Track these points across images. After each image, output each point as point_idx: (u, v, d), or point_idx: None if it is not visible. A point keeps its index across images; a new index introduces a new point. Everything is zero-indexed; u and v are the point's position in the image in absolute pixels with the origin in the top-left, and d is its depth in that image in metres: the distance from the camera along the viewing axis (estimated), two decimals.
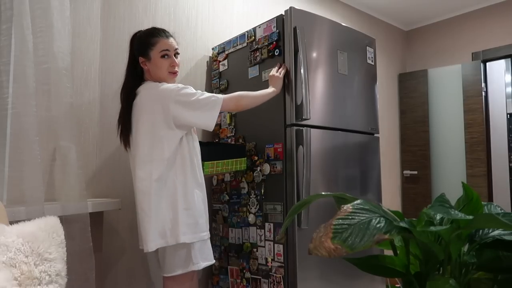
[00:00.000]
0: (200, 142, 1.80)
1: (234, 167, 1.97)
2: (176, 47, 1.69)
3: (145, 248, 1.55)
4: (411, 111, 3.85)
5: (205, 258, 1.61)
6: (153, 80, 1.69)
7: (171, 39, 1.68)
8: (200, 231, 1.61)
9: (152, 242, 1.54)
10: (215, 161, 1.85)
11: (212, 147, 1.81)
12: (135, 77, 1.70)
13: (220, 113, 2.32)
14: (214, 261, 1.69)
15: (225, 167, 1.91)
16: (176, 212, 1.56)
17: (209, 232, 1.69)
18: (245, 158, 2.04)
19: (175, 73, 1.69)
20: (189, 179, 1.61)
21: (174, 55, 1.68)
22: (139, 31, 1.73)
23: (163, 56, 1.64)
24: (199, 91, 1.64)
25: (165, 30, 1.70)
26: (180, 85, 1.61)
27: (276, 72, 1.90)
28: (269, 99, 1.85)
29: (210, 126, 1.63)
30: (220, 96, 1.66)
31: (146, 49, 1.65)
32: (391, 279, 2.94)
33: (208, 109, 1.61)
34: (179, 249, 1.56)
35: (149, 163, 1.57)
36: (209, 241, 1.67)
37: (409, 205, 3.80)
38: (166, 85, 1.61)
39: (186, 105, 1.58)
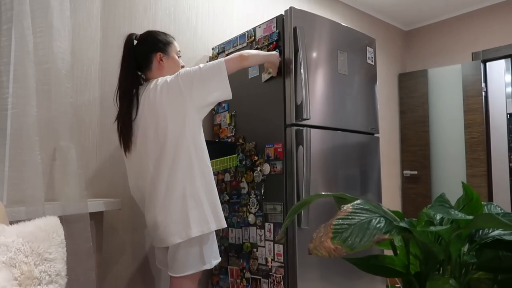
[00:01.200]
0: None
1: (227, 164, 2.02)
2: None
3: (185, 236, 1.54)
4: (411, 111, 3.85)
5: (214, 256, 1.64)
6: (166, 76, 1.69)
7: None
8: (219, 220, 1.62)
9: (192, 228, 1.54)
10: (214, 160, 1.88)
11: (209, 146, 1.82)
12: (135, 78, 1.70)
13: (220, 113, 2.33)
14: (220, 258, 1.70)
15: (221, 165, 1.96)
16: (201, 202, 1.57)
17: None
18: (236, 155, 2.09)
19: None
20: (205, 168, 1.63)
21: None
22: (149, 31, 1.77)
23: (177, 55, 1.78)
24: (197, 66, 1.65)
25: None
26: (179, 71, 1.64)
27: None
28: (268, 61, 1.90)
29: (228, 94, 1.66)
30: (221, 59, 1.67)
31: (166, 46, 1.73)
32: (391, 279, 2.94)
33: (217, 76, 1.63)
34: (192, 247, 1.55)
35: (178, 152, 1.56)
36: (215, 239, 1.68)
37: (409, 205, 3.80)
38: (169, 77, 1.62)
39: (197, 85, 1.59)
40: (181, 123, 1.57)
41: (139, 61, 1.71)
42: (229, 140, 2.25)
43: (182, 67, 1.78)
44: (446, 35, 3.85)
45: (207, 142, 2.03)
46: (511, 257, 1.00)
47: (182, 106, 1.58)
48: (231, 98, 1.69)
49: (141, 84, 1.71)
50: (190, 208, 1.55)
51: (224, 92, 1.65)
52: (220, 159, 1.96)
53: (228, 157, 2.02)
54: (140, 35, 1.74)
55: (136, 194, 1.75)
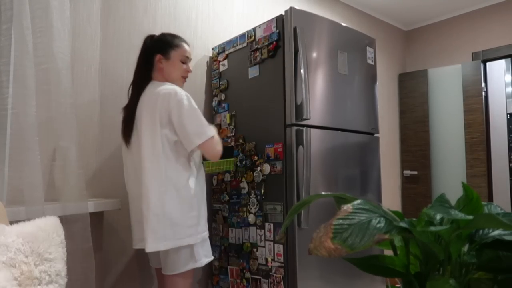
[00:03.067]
0: None
1: (223, 167, 1.99)
2: (191, 56, 1.82)
3: (145, 246, 1.56)
4: (411, 111, 3.85)
5: (205, 255, 1.66)
6: (162, 80, 1.71)
7: (189, 48, 1.80)
8: (203, 230, 1.65)
9: (155, 243, 1.55)
10: (210, 161, 1.85)
11: None
12: (146, 74, 1.73)
13: (220, 113, 2.33)
14: (213, 257, 1.73)
15: (218, 166, 1.95)
16: (180, 215, 1.57)
17: (207, 231, 1.72)
18: (233, 159, 2.06)
19: (186, 78, 1.79)
20: (193, 181, 1.64)
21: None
22: (162, 33, 1.79)
23: (182, 61, 1.74)
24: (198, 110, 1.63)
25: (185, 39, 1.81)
26: (186, 96, 1.61)
27: None
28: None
29: (190, 148, 1.61)
30: (210, 132, 1.63)
31: (168, 48, 1.72)
32: (391, 279, 2.94)
33: (203, 131, 1.61)
34: (182, 248, 1.58)
35: (153, 162, 1.57)
36: (208, 239, 1.71)
37: (409, 205, 3.80)
38: (174, 91, 1.60)
39: (185, 117, 1.58)
40: (158, 132, 1.59)
41: (146, 60, 1.74)
42: (229, 140, 2.25)
43: (187, 72, 1.77)
44: (446, 35, 3.85)
45: None
46: (511, 257, 1.00)
47: (165, 119, 1.59)
48: (188, 150, 1.64)
49: (148, 82, 1.71)
50: (166, 220, 1.56)
51: (190, 146, 1.62)
52: (219, 161, 1.92)
53: (225, 160, 1.98)
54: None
55: (127, 188, 1.77)
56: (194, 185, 1.64)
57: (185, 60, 1.76)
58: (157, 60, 1.71)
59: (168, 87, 1.62)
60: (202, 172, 1.78)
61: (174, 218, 1.56)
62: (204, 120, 1.63)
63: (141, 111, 1.63)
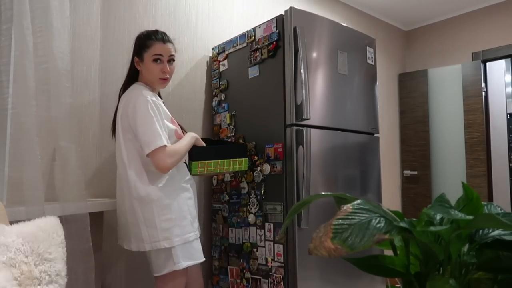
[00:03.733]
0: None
1: (232, 167, 1.86)
2: (172, 53, 1.65)
3: (127, 246, 1.63)
4: (411, 111, 3.85)
5: (188, 257, 1.59)
6: (144, 82, 1.69)
7: (168, 45, 1.65)
8: (183, 233, 1.58)
9: (132, 243, 1.60)
10: (205, 161, 1.74)
11: (204, 146, 1.76)
12: (130, 76, 1.73)
13: (220, 113, 2.33)
14: (201, 260, 1.64)
15: (219, 167, 1.81)
16: (152, 217, 1.55)
17: (198, 231, 1.68)
18: (246, 158, 1.93)
19: (165, 79, 1.66)
20: (167, 181, 1.60)
21: (169, 61, 1.65)
22: (143, 31, 1.72)
23: (155, 60, 1.62)
24: (155, 121, 1.55)
25: (165, 34, 1.67)
26: (144, 102, 1.54)
27: None
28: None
29: (144, 154, 1.54)
30: (161, 143, 1.52)
31: (141, 50, 1.65)
32: (391, 279, 2.94)
33: (152, 139, 1.52)
34: (160, 251, 1.57)
35: (126, 164, 1.60)
36: (196, 241, 1.64)
37: (409, 205, 3.80)
38: (135, 95, 1.58)
39: (138, 124, 1.55)
40: (127, 134, 1.61)
41: (131, 63, 1.74)
42: (229, 140, 2.25)
43: (163, 72, 1.63)
44: (446, 35, 3.85)
45: (210, 140, 1.98)
46: (511, 257, 1.00)
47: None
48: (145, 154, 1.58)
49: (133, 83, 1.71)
50: (142, 221, 1.56)
51: (144, 148, 1.56)
52: (220, 160, 1.82)
53: (235, 159, 1.87)
54: None
55: None
56: (167, 186, 1.59)
57: (158, 57, 1.61)
58: (135, 64, 1.69)
59: (133, 91, 1.61)
60: (185, 173, 1.70)
61: (147, 221, 1.55)
62: (157, 129, 1.52)
63: (117, 114, 1.67)
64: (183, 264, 1.57)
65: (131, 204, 1.58)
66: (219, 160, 1.80)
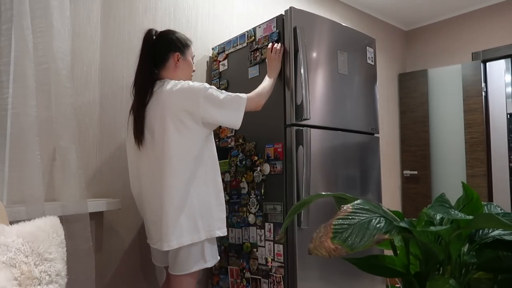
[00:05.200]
0: None
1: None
2: None
3: (169, 245, 1.54)
4: (411, 111, 3.85)
5: (214, 256, 1.67)
6: (174, 78, 1.68)
7: None
8: (224, 226, 1.69)
9: (180, 238, 1.55)
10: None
11: None
12: (152, 73, 1.70)
13: None
14: (219, 258, 1.74)
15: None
16: (209, 208, 1.62)
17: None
18: (228, 160, 2.08)
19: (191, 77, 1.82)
20: (217, 175, 1.68)
21: None
22: (170, 30, 1.78)
23: (192, 59, 1.80)
24: (223, 90, 1.68)
25: None
26: (206, 85, 1.62)
27: (272, 53, 1.93)
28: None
29: (237, 125, 1.69)
30: (244, 96, 1.70)
31: (185, 47, 1.75)
32: (391, 279, 2.94)
33: (235, 108, 1.67)
34: (193, 247, 1.58)
35: (178, 160, 1.56)
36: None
37: (409, 205, 3.80)
38: (192, 83, 1.61)
39: (215, 104, 1.61)
40: (184, 130, 1.57)
41: (156, 57, 1.70)
42: (230, 140, 2.25)
43: (193, 71, 1.82)
44: (446, 35, 3.85)
45: None
46: (511, 257, 1.00)
47: (190, 116, 1.57)
48: (237, 128, 1.75)
49: (155, 80, 1.68)
50: (184, 216, 1.56)
51: (234, 123, 1.70)
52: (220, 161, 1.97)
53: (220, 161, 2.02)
54: (160, 32, 1.74)
55: (135, 189, 1.77)
56: (219, 180, 1.69)
57: (193, 58, 1.82)
58: (175, 59, 1.70)
59: (172, 82, 1.61)
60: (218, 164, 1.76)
61: (205, 211, 1.60)
62: (227, 93, 1.66)
63: (155, 111, 1.59)
64: (213, 261, 1.65)
65: (188, 197, 1.57)
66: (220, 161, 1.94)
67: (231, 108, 1.65)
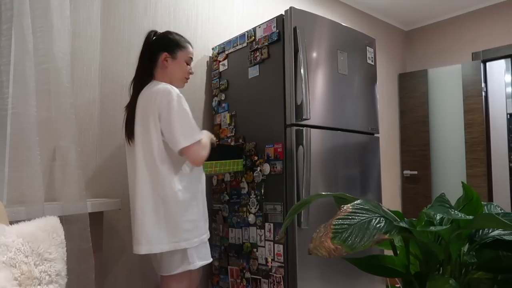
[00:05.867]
0: None
1: (231, 167, 1.97)
2: None
3: (138, 250, 1.57)
4: (411, 111, 3.85)
5: (201, 257, 1.63)
6: (164, 79, 1.70)
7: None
8: (200, 234, 1.63)
9: (149, 245, 1.55)
10: (213, 161, 1.84)
11: (211, 148, 1.80)
12: (148, 71, 1.71)
13: (220, 113, 2.33)
14: (211, 259, 1.71)
15: (223, 167, 1.92)
16: (175, 218, 1.56)
17: (208, 232, 1.72)
18: (242, 159, 2.05)
19: (187, 80, 1.80)
20: (189, 182, 1.63)
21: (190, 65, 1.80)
22: (168, 31, 1.78)
23: (186, 62, 1.75)
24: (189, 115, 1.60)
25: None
26: (178, 97, 1.58)
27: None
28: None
29: (176, 149, 1.57)
30: (199, 136, 1.59)
31: (176, 48, 1.72)
32: (391, 279, 2.94)
33: (190, 134, 1.56)
34: (177, 251, 1.58)
35: (158, 160, 1.57)
36: (208, 241, 1.70)
37: (409, 205, 3.80)
38: (168, 91, 1.58)
39: (174, 117, 1.55)
40: (153, 134, 1.57)
41: (150, 58, 1.72)
42: (230, 140, 2.25)
43: (190, 73, 1.78)
44: (446, 35, 3.85)
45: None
46: (511, 257, 1.00)
47: (156, 121, 1.58)
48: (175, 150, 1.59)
49: (151, 80, 1.70)
50: (151, 223, 1.55)
51: (177, 147, 1.56)
52: (224, 161, 1.92)
53: (233, 160, 1.98)
54: (158, 33, 1.78)
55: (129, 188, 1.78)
56: (191, 187, 1.63)
57: (189, 61, 1.77)
58: (162, 58, 1.70)
59: (164, 86, 1.60)
60: (200, 173, 1.74)
61: (169, 222, 1.55)
62: (193, 123, 1.59)
63: (137, 111, 1.64)
64: (198, 263, 1.61)
65: (155, 203, 1.55)
66: (223, 161, 1.88)
67: (187, 132, 1.56)
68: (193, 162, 1.58)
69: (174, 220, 1.55)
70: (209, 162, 1.80)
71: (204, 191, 1.76)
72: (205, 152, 1.62)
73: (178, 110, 1.55)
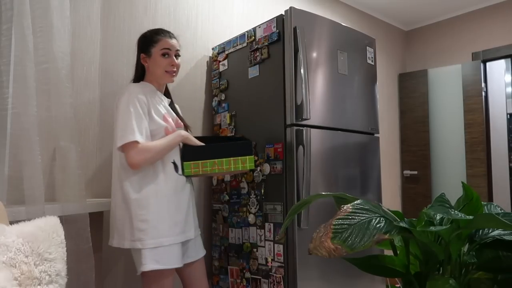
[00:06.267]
0: (200, 137, 1.79)
1: (234, 166, 1.67)
2: (178, 48, 1.71)
3: (112, 242, 1.62)
4: (411, 111, 3.85)
5: (157, 261, 1.52)
6: (148, 79, 1.71)
7: (174, 40, 1.70)
8: (158, 236, 1.54)
9: (113, 239, 1.61)
10: (200, 161, 1.64)
11: (198, 146, 1.66)
12: (138, 76, 1.74)
13: (220, 113, 2.33)
14: (172, 266, 1.56)
15: (218, 167, 1.66)
16: (131, 216, 1.55)
17: (181, 236, 1.61)
18: (252, 156, 1.71)
19: (172, 72, 1.68)
20: (148, 181, 1.57)
21: (175, 56, 1.69)
22: (146, 31, 1.75)
23: (163, 55, 1.65)
24: (134, 114, 1.54)
25: (170, 32, 1.73)
26: (127, 98, 1.56)
27: None
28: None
29: (115, 148, 1.56)
30: (137, 138, 1.52)
31: (149, 45, 1.67)
32: (391, 279, 2.94)
33: (124, 134, 1.52)
34: (135, 250, 1.57)
35: (118, 160, 1.61)
36: (174, 246, 1.57)
37: (409, 205, 3.80)
38: (123, 92, 1.59)
39: (117, 117, 1.56)
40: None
41: (136, 62, 1.75)
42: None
43: (172, 65, 1.66)
44: (446, 35, 3.85)
45: (217, 137, 1.92)
46: (511, 257, 1.00)
47: None
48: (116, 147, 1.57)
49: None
50: (117, 219, 1.59)
51: (116, 142, 1.56)
52: (226, 159, 1.66)
53: (236, 158, 1.68)
54: None
55: None
56: (146, 187, 1.56)
57: (167, 52, 1.65)
58: (142, 60, 1.70)
59: (126, 88, 1.62)
60: (171, 173, 1.63)
61: (127, 219, 1.56)
62: (133, 124, 1.52)
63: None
64: (149, 266, 1.52)
65: (119, 200, 1.59)
66: (216, 160, 1.65)
67: (122, 130, 1.53)
68: (129, 165, 1.52)
69: (129, 218, 1.55)
70: (192, 162, 1.64)
71: (177, 192, 1.63)
72: (142, 156, 1.50)
73: (122, 111, 1.54)
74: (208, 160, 1.65)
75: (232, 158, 1.67)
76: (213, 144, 1.72)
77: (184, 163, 1.64)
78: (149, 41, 1.68)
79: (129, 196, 1.55)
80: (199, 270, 1.79)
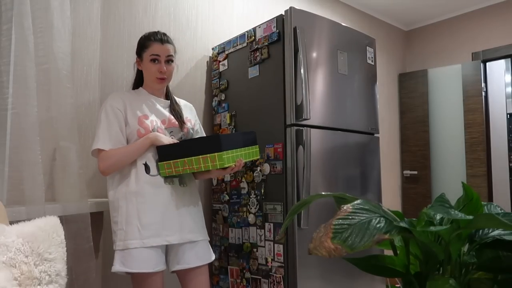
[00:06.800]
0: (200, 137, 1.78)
1: (203, 165, 1.51)
2: (170, 53, 1.63)
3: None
4: (411, 111, 3.85)
5: (122, 263, 1.51)
6: (145, 83, 1.71)
7: (167, 45, 1.63)
8: (125, 238, 1.52)
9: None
10: (171, 161, 1.54)
11: (168, 144, 1.57)
12: (136, 80, 1.75)
13: (220, 113, 2.33)
14: (140, 270, 1.50)
15: (188, 166, 1.53)
16: (113, 218, 1.61)
17: (150, 240, 1.52)
18: (257, 146, 1.69)
19: (162, 79, 1.63)
20: (121, 184, 1.58)
21: (167, 62, 1.63)
22: (145, 33, 1.72)
23: (152, 60, 1.61)
24: (103, 120, 1.57)
25: (165, 35, 1.65)
26: (105, 106, 1.60)
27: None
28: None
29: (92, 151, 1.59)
30: (99, 146, 1.54)
31: (141, 50, 1.65)
32: (391, 279, 2.94)
33: (95, 141, 1.56)
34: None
35: None
36: (140, 250, 1.51)
37: (409, 205, 3.80)
38: (103, 103, 1.64)
39: (97, 125, 1.60)
40: None
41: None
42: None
43: (160, 72, 1.61)
44: (446, 35, 3.85)
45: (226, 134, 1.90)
46: (511, 257, 1.00)
47: None
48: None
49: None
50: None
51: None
52: (196, 157, 1.52)
53: (210, 155, 1.50)
54: None
55: None
56: (123, 190, 1.56)
57: (156, 58, 1.60)
58: (136, 64, 1.70)
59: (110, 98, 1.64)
60: (142, 174, 1.58)
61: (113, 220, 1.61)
62: (102, 131, 1.55)
63: None
64: (116, 267, 1.52)
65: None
66: (186, 159, 1.52)
67: (96, 134, 1.59)
68: (99, 169, 1.56)
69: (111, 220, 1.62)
70: (165, 162, 1.56)
71: (149, 193, 1.56)
72: (104, 163, 1.52)
73: (98, 118, 1.60)
74: (178, 160, 1.54)
75: (201, 156, 1.51)
76: (182, 141, 1.63)
77: (159, 163, 1.59)
78: (141, 45, 1.65)
79: (108, 198, 1.62)
80: (199, 278, 1.66)
